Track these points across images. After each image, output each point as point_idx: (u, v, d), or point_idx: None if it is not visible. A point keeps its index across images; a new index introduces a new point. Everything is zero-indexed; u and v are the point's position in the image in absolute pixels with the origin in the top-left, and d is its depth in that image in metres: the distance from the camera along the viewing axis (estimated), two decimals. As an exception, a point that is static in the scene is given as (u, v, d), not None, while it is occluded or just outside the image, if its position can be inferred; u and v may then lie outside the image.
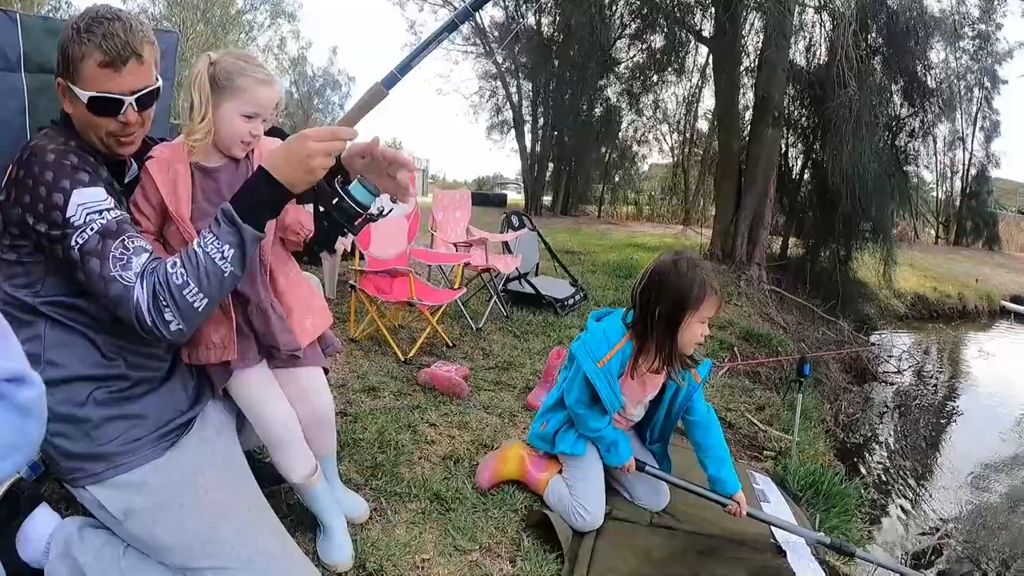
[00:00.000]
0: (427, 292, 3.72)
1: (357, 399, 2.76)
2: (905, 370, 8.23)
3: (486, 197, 17.84)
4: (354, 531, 1.79)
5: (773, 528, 2.21)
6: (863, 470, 4.92)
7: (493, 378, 3.30)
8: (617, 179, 20.88)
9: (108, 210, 1.26)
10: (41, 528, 1.48)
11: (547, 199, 19.03)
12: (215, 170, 1.46)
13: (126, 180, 1.45)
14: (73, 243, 1.23)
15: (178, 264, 1.23)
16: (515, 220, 5.32)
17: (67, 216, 1.22)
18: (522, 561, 1.81)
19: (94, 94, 1.26)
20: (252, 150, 1.49)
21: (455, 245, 4.50)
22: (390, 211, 1.40)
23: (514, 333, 4.20)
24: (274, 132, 1.58)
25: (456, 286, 4.01)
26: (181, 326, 1.25)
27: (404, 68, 1.31)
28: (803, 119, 9.19)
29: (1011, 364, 10.56)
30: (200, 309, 1.24)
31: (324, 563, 1.67)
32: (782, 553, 2.10)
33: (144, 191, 1.41)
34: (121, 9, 1.32)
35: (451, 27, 1.36)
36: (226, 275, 1.24)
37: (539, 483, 2.16)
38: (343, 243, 1.41)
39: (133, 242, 1.26)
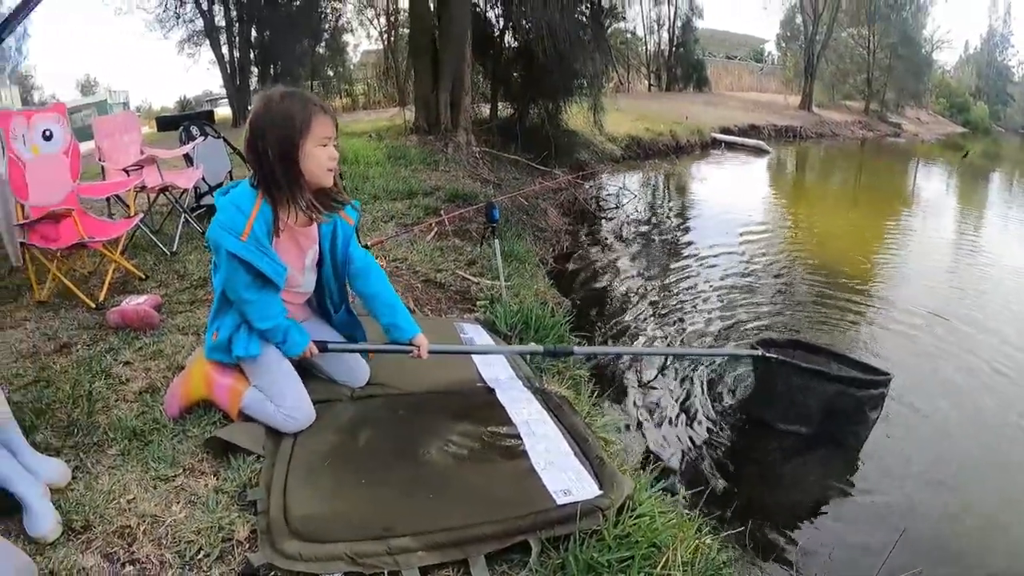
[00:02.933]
0: (98, 228, 3.34)
1: (49, 362, 2.46)
2: (625, 204, 9.16)
3: (187, 118, 15.84)
4: (58, 496, 1.66)
5: (480, 370, 2.28)
6: (597, 293, 5.44)
7: (188, 298, 3.14)
8: (332, 74, 19.90)
9: None
10: None
11: (257, 108, 17.54)
12: None
13: None
14: None
15: None
16: (194, 130, 4.84)
17: None
18: (225, 471, 1.79)
19: None
20: None
21: (126, 171, 4.06)
22: None
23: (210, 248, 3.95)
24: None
25: (132, 213, 3.67)
26: None
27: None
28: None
29: (726, 184, 12.54)
30: None
31: (33, 539, 1.53)
32: (491, 391, 2.20)
33: None
34: None
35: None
36: None
37: (232, 393, 1.96)
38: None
39: None
